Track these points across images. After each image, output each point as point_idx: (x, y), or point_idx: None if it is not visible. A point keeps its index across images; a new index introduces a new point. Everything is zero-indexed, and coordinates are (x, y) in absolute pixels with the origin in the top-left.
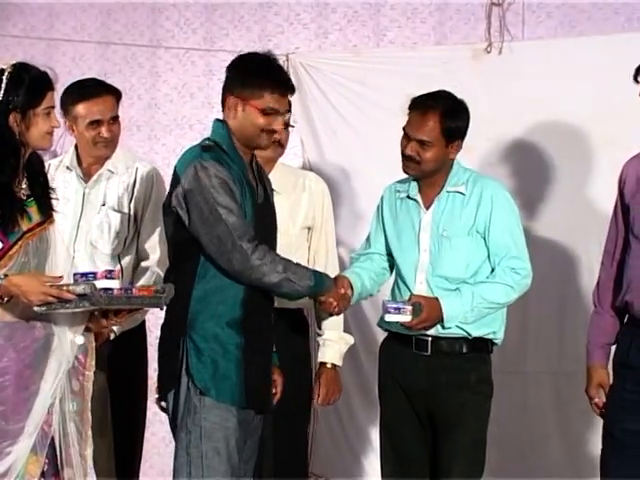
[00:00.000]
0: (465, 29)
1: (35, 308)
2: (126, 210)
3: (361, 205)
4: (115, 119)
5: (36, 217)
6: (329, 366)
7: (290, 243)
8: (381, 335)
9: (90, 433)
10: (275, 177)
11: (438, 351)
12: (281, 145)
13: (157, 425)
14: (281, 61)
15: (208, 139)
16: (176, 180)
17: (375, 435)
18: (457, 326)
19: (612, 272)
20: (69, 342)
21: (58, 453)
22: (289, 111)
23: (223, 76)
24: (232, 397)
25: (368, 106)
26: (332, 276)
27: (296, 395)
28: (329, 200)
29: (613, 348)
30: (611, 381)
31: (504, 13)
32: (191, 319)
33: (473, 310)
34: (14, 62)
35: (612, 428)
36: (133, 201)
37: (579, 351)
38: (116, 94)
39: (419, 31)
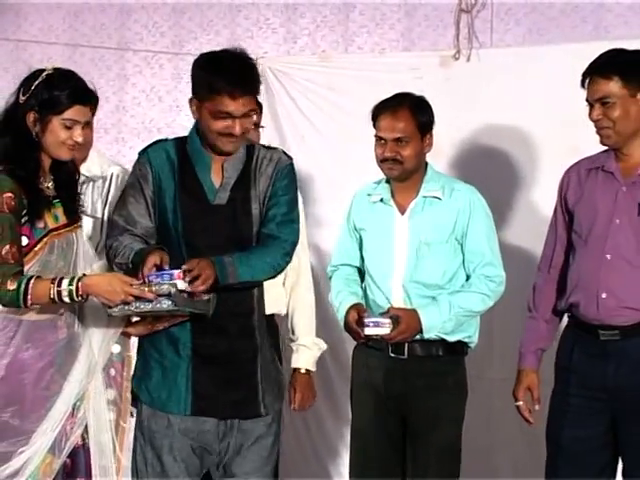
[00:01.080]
0: (433, 35)
1: (109, 310)
2: (99, 215)
3: (329, 209)
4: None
5: (62, 218)
6: (303, 371)
7: None
8: (348, 342)
9: (128, 446)
10: None
11: (414, 355)
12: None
13: None
14: None
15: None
16: None
17: (341, 440)
18: None
19: (549, 277)
20: (100, 346)
21: (93, 462)
22: (254, 111)
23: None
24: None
25: (336, 111)
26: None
27: None
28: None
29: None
30: (550, 384)
31: (472, 20)
32: None
33: (451, 320)
34: (58, 67)
35: (556, 435)
36: (107, 206)
37: (544, 359)
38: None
39: (387, 37)
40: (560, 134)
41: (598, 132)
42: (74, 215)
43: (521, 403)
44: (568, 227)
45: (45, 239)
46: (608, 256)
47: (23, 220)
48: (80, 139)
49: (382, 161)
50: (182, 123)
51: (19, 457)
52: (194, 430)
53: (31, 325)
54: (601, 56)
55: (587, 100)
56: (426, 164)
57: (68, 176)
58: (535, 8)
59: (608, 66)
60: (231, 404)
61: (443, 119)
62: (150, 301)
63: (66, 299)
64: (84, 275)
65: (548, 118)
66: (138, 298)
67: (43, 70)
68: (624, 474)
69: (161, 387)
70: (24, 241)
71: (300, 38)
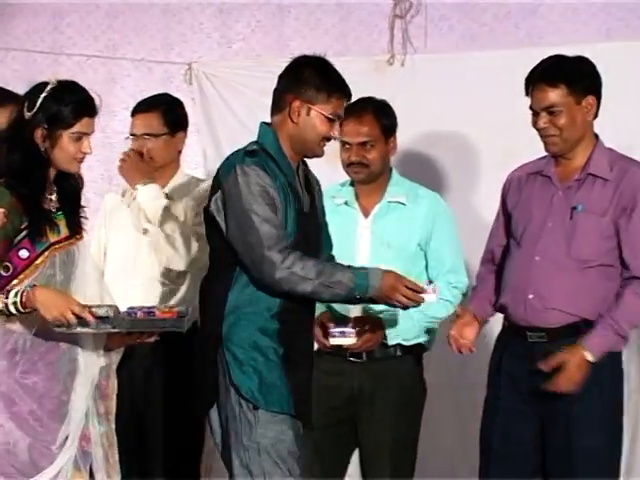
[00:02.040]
0: (368, 41)
1: (53, 327)
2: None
3: None
4: None
5: (64, 231)
6: None
7: None
8: None
9: (117, 458)
10: (175, 185)
11: (373, 356)
12: (150, 157)
13: None
14: (183, 70)
15: (256, 142)
16: (217, 185)
17: None
18: None
19: (491, 268)
20: (92, 360)
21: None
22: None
23: (125, 84)
24: (281, 405)
25: None
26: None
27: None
28: None
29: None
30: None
31: (407, 25)
32: (227, 330)
33: (415, 327)
34: (61, 78)
35: (488, 438)
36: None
37: (480, 363)
38: None
39: (322, 41)
40: (495, 139)
41: (544, 140)
42: (76, 227)
43: (453, 332)
44: (507, 230)
45: (46, 253)
46: (537, 258)
47: (23, 234)
48: (89, 150)
49: (348, 165)
50: (116, 128)
51: (55, 462)
52: None
53: (34, 339)
54: (543, 63)
55: (531, 108)
56: (390, 168)
57: (72, 188)
58: (468, 14)
59: (554, 74)
60: None
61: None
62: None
63: (13, 311)
64: (34, 286)
65: (483, 123)
66: (81, 319)
67: (46, 83)
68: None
69: None
70: (24, 254)
71: (235, 42)
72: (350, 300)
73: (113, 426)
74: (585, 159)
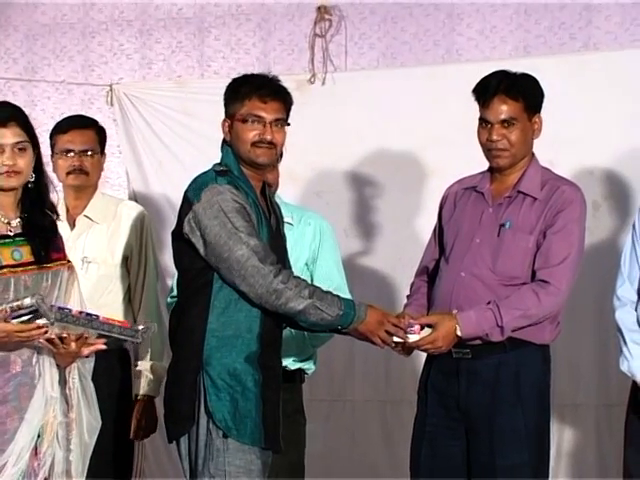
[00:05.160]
0: (289, 60)
1: None
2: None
3: None
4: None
5: (27, 256)
6: (139, 398)
7: (110, 274)
8: None
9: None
10: (94, 207)
11: None
12: (85, 173)
13: None
14: (104, 92)
15: (219, 164)
16: (188, 206)
17: None
18: None
19: (424, 279)
20: (52, 383)
21: None
22: (280, 119)
23: (45, 106)
24: (252, 438)
25: (193, 137)
26: None
27: (117, 431)
28: (148, 227)
29: None
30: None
31: (327, 44)
32: (207, 355)
33: (303, 350)
34: None
35: (416, 455)
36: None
37: (405, 379)
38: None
39: (243, 62)
40: (419, 156)
41: (492, 153)
42: (44, 254)
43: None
44: (440, 243)
45: None
46: (462, 274)
47: None
48: (10, 162)
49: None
50: None
51: None
52: None
53: None
54: (496, 75)
55: (483, 120)
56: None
57: (42, 216)
58: (388, 32)
59: (514, 87)
60: None
61: (299, 143)
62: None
63: None
64: None
65: (404, 141)
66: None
67: None
68: None
69: None
70: None
71: (155, 64)
72: (330, 328)
73: (72, 452)
74: (519, 177)
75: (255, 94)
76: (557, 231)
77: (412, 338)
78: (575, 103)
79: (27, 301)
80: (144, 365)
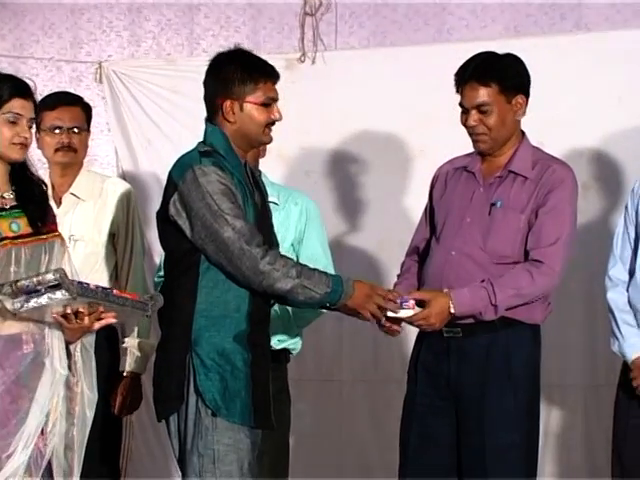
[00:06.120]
0: (279, 38)
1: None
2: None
3: None
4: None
5: (25, 228)
6: (125, 374)
7: (98, 252)
8: None
9: (75, 463)
10: (80, 184)
11: None
12: (74, 150)
13: None
14: (93, 69)
15: (203, 143)
16: (173, 187)
17: None
18: None
19: (415, 258)
20: (60, 359)
21: (55, 474)
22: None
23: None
24: (242, 417)
25: (182, 115)
26: None
27: (105, 408)
28: (135, 204)
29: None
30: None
31: (317, 23)
32: (196, 335)
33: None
34: None
35: (405, 434)
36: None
37: (393, 359)
38: None
39: (233, 40)
40: (407, 136)
41: (473, 138)
42: (41, 225)
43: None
44: (430, 223)
45: None
46: (453, 252)
47: None
48: (27, 134)
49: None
50: None
51: (4, 470)
52: None
53: None
54: (474, 60)
55: (461, 105)
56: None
57: (33, 186)
58: (378, 11)
59: (486, 72)
60: None
61: (289, 122)
62: (39, 291)
63: None
64: None
65: (394, 120)
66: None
67: None
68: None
69: None
70: None
71: (144, 41)
72: (319, 306)
73: (76, 428)
74: (510, 156)
75: (269, 78)
76: (549, 210)
77: (406, 313)
78: (565, 83)
79: (49, 276)
80: (131, 342)
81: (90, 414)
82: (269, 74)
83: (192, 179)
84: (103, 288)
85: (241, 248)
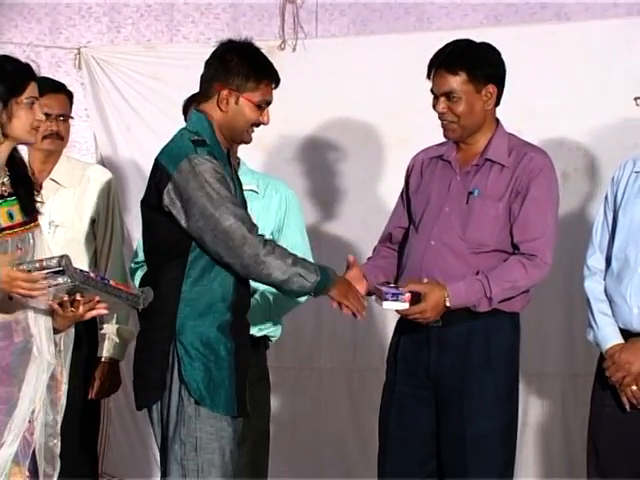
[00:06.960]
0: (259, 25)
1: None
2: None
3: None
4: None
5: (18, 216)
6: (103, 360)
7: (78, 238)
8: None
9: (58, 451)
10: (60, 171)
11: None
12: (61, 138)
13: None
14: (72, 55)
15: (188, 131)
16: (166, 176)
17: None
18: None
19: (385, 247)
20: (48, 348)
21: (39, 463)
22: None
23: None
24: (226, 407)
25: (162, 101)
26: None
27: (84, 393)
28: (115, 191)
29: None
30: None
31: (298, 10)
32: (181, 323)
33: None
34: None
35: (384, 424)
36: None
37: (372, 347)
38: None
39: (213, 27)
40: (386, 125)
41: (442, 125)
42: (31, 212)
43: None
44: (408, 212)
45: None
46: (432, 242)
47: None
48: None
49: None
50: None
51: None
52: None
53: None
54: (447, 48)
55: (432, 91)
56: (238, 160)
57: (22, 170)
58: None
59: (455, 60)
60: None
61: (269, 110)
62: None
63: None
64: None
65: (374, 108)
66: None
67: None
68: (438, 471)
69: None
70: None
71: (124, 27)
72: (304, 295)
73: (59, 417)
74: (485, 145)
75: (271, 82)
76: (532, 200)
77: (402, 306)
78: (545, 73)
79: (53, 262)
80: (110, 328)
81: (64, 401)
82: (272, 78)
83: (189, 169)
84: (102, 278)
85: (244, 236)
